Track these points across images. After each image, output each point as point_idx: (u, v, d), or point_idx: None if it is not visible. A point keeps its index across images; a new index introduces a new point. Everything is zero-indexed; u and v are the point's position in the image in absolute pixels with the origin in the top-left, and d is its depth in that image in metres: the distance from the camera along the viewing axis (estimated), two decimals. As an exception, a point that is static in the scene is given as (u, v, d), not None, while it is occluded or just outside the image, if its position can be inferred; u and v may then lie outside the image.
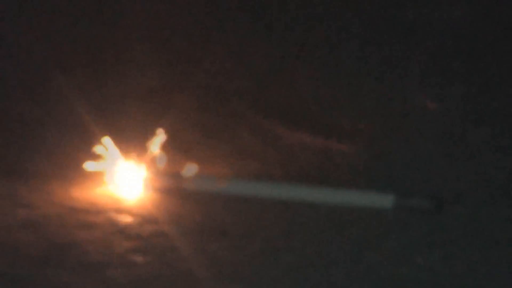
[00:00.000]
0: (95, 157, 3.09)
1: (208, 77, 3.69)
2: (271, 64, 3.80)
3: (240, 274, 2.68)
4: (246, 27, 4.01)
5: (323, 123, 3.39)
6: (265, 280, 2.64)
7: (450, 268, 2.70)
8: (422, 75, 3.75)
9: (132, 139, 3.15)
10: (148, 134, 3.16)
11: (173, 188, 2.99)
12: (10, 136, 3.35)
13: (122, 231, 2.82)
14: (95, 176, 3.07)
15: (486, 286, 2.62)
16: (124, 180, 3.04)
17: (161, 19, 4.03)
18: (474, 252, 2.75)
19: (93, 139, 3.17)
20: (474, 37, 4.00)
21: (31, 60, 3.79)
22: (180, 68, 3.76)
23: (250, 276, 2.68)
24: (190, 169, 3.03)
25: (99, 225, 2.85)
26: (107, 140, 3.12)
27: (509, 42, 3.97)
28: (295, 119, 3.41)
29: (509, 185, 3.11)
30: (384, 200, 2.88)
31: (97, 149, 3.13)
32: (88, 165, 3.06)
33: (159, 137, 3.12)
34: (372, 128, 3.37)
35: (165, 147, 3.14)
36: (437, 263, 2.72)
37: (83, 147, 3.16)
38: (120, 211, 2.92)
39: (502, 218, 2.95)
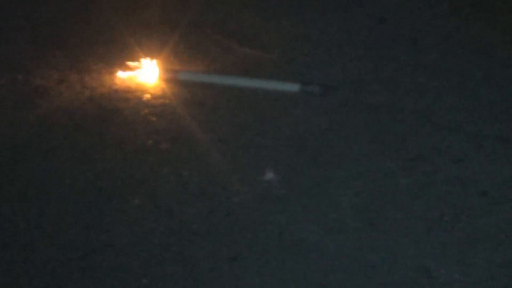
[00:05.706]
0: (133, 58, 3.55)
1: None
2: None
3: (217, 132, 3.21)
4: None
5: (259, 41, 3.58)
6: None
7: (337, 132, 3.15)
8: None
9: (153, 48, 3.56)
10: (165, 46, 3.57)
11: (176, 79, 3.41)
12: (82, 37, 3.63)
13: (145, 102, 3.34)
14: (132, 70, 3.49)
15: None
16: (147, 73, 3.46)
17: None
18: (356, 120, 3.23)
19: (130, 49, 3.60)
20: None
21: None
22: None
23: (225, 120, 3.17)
24: (185, 67, 3.44)
25: (131, 99, 3.35)
26: (141, 51, 3.54)
27: None
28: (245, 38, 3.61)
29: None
30: (292, 86, 3.35)
31: (134, 55, 3.55)
32: (127, 64, 3.53)
33: (171, 47, 3.53)
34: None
35: (171, 54, 3.56)
36: (328, 127, 3.18)
37: (123, 55, 3.59)
38: (144, 91, 3.40)
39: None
